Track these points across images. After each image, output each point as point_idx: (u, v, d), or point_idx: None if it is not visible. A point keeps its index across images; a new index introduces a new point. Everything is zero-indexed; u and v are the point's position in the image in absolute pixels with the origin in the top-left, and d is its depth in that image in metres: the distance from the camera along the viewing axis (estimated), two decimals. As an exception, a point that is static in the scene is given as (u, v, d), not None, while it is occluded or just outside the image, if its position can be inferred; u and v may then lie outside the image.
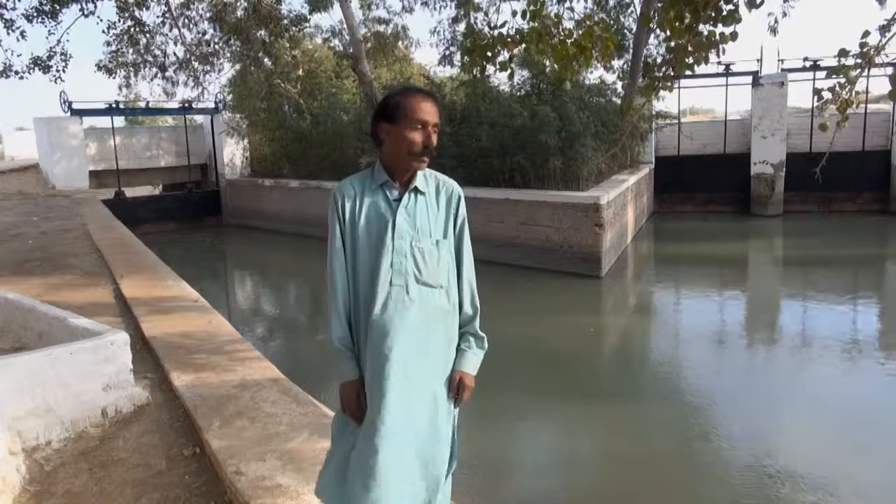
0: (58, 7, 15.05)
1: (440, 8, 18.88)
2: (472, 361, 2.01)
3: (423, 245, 1.92)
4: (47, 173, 19.21)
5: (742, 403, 6.59)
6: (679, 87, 18.95)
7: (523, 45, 4.63)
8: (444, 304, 1.95)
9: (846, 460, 5.41)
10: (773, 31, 16.22)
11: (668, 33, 4.26)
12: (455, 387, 1.96)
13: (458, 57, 18.82)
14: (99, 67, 17.28)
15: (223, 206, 20.82)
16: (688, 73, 4.41)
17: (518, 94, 15.03)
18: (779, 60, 18.61)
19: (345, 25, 17.60)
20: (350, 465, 1.88)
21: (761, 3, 4.00)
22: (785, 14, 16.74)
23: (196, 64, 17.84)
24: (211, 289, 12.39)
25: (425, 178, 1.98)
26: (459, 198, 2.02)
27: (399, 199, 1.93)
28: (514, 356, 7.67)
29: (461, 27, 18.37)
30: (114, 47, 16.98)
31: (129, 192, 19.86)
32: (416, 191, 1.95)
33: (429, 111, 1.90)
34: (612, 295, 11.25)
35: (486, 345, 2.04)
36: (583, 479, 5.35)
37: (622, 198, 13.28)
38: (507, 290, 10.64)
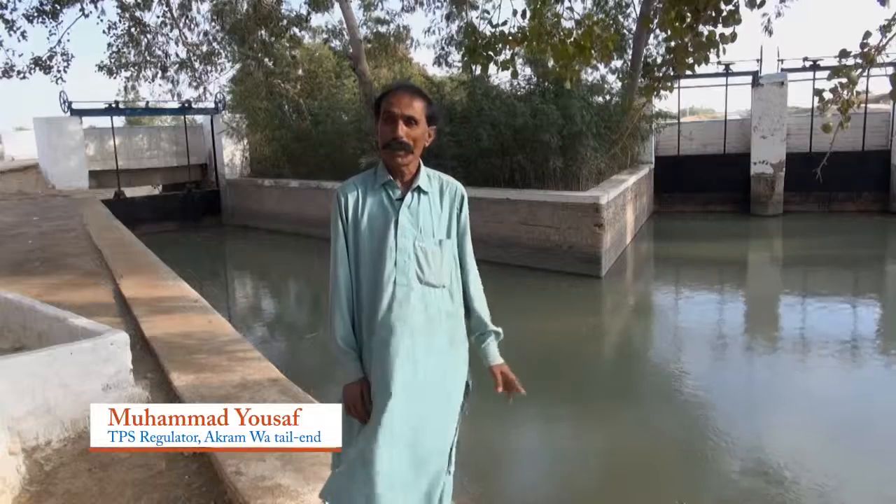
0: (58, 7, 15.06)
1: (434, 9, 18.88)
2: (497, 351, 2.09)
3: (426, 245, 1.92)
4: (47, 173, 19.19)
5: (742, 403, 6.59)
6: (679, 87, 18.92)
7: (524, 44, 4.62)
8: (448, 304, 1.95)
9: (846, 461, 5.41)
10: (769, 31, 16.19)
11: (669, 33, 4.26)
12: (500, 381, 2.02)
13: (453, 56, 18.82)
14: (100, 68, 17.28)
15: (223, 206, 20.80)
16: (688, 73, 4.42)
17: (518, 92, 15.02)
18: (779, 60, 18.61)
19: (345, 25, 17.60)
20: (355, 465, 1.87)
21: (762, 3, 4.01)
22: (779, 14, 16.68)
23: (197, 64, 17.84)
24: (211, 289, 12.38)
25: (429, 177, 1.98)
26: (463, 198, 2.01)
27: (401, 199, 1.93)
28: (513, 356, 7.61)
29: (455, 25, 18.35)
30: (115, 48, 17.00)
31: (129, 192, 19.86)
32: (419, 190, 1.95)
33: (398, 103, 1.88)
34: (612, 295, 11.24)
35: (501, 336, 2.10)
36: (582, 479, 5.35)
37: (622, 198, 13.28)
38: (507, 290, 10.63)
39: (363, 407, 1.90)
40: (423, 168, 1.98)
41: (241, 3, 17.26)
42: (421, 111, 1.90)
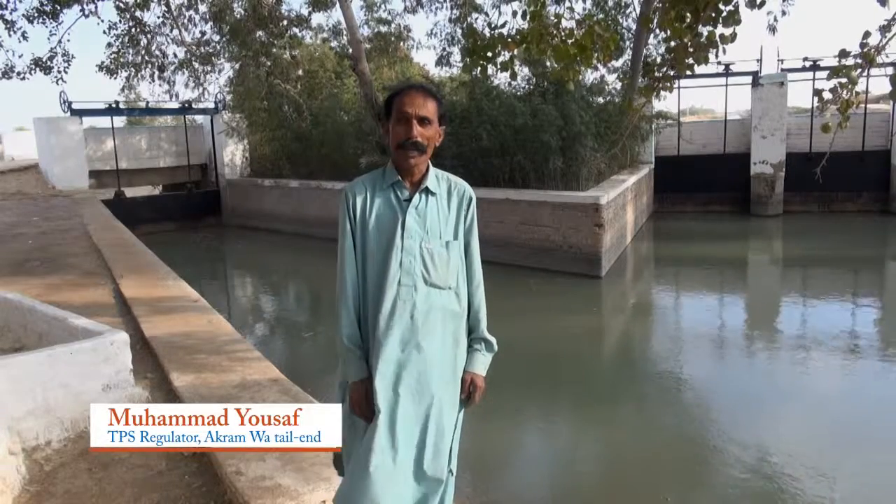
0: (58, 7, 15.08)
1: (436, 10, 18.88)
2: (483, 363, 2.03)
3: (433, 246, 1.92)
4: (47, 173, 19.19)
5: (742, 403, 6.59)
6: (679, 87, 18.91)
7: (524, 46, 4.62)
8: (453, 305, 1.95)
9: (845, 461, 5.41)
10: (773, 29, 16.22)
11: (669, 33, 4.26)
12: (467, 388, 1.99)
13: (455, 57, 18.81)
14: (100, 68, 17.29)
15: (223, 206, 20.79)
16: (688, 73, 4.41)
17: (518, 93, 15.01)
18: (779, 60, 18.62)
19: (345, 25, 17.59)
20: (358, 467, 1.86)
21: (762, 3, 4.01)
22: (784, 13, 16.73)
23: (196, 64, 17.84)
24: (211, 289, 12.39)
25: (437, 178, 1.98)
26: (471, 200, 2.01)
27: (409, 199, 1.93)
28: (514, 356, 7.66)
29: (458, 28, 18.33)
30: (115, 48, 17.01)
31: (129, 192, 19.84)
32: (427, 191, 1.95)
33: (412, 103, 1.88)
34: (612, 295, 11.24)
35: (495, 347, 2.06)
36: (582, 479, 5.35)
37: (622, 198, 13.28)
38: (507, 290, 10.63)
39: (368, 407, 1.90)
40: (431, 169, 1.98)
41: (239, 4, 17.27)
42: (434, 111, 1.91)
